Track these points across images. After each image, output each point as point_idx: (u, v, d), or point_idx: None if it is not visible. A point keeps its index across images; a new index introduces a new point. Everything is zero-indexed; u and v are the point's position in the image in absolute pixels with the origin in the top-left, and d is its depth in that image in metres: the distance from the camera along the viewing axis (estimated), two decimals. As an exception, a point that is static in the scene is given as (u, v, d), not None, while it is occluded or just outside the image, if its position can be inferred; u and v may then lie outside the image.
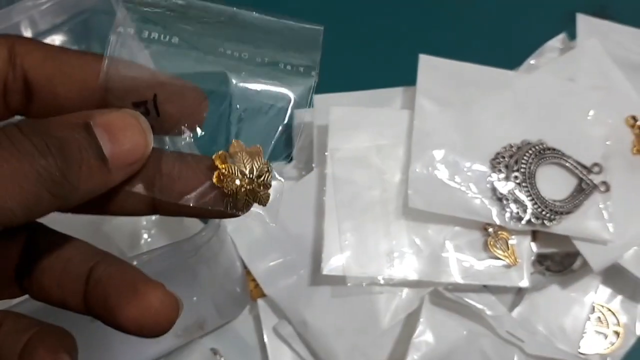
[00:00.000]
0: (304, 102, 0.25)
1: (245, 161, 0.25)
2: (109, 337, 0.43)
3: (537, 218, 0.47)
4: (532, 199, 0.47)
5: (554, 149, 0.49)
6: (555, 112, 0.51)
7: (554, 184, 0.48)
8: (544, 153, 0.48)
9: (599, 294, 0.50)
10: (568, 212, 0.47)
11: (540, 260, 0.50)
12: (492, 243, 0.47)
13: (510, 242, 0.47)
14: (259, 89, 0.26)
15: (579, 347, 0.49)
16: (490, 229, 0.47)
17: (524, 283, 0.46)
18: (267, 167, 0.26)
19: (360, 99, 0.53)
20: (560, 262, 0.50)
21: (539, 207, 0.47)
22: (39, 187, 0.20)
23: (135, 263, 0.35)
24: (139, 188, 0.23)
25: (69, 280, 0.24)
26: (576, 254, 0.49)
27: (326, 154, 0.49)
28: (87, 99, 0.24)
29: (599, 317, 0.50)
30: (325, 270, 0.46)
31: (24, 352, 0.23)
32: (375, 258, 0.46)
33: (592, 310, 0.50)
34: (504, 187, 0.47)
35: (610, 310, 0.50)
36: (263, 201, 0.26)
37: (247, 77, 0.26)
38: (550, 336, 0.49)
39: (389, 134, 0.50)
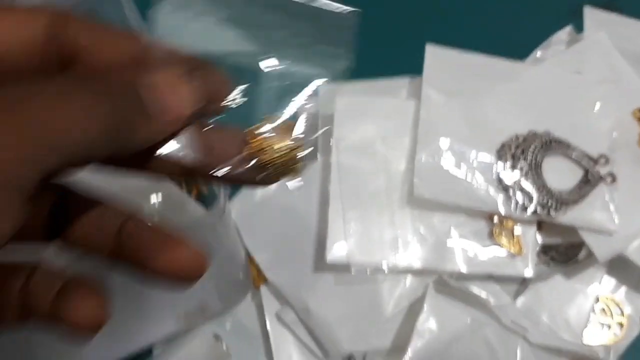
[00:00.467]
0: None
1: (277, 136, 0.27)
2: (111, 320, 0.42)
3: (542, 208, 0.46)
4: (538, 189, 0.46)
5: (560, 140, 0.48)
6: (562, 104, 0.50)
7: (560, 174, 0.47)
8: (550, 144, 0.48)
9: (603, 285, 0.50)
10: (574, 203, 0.46)
11: (545, 250, 0.49)
12: (497, 232, 0.46)
13: (515, 232, 0.46)
14: (292, 69, 0.26)
15: (583, 338, 0.48)
16: (496, 219, 0.46)
17: (529, 273, 0.46)
18: (298, 142, 0.27)
19: (366, 89, 0.53)
20: (565, 253, 0.49)
21: (545, 197, 0.46)
22: (101, 130, 0.21)
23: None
24: (178, 149, 0.24)
25: (101, 233, 0.25)
26: (581, 245, 0.48)
27: (331, 143, 0.48)
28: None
29: (603, 308, 0.49)
30: (330, 258, 0.45)
31: (58, 298, 0.23)
32: (379, 246, 0.45)
33: (596, 301, 0.49)
34: (510, 177, 0.47)
35: (614, 301, 0.49)
36: (293, 174, 0.28)
37: (281, 57, 0.27)
38: (554, 326, 0.48)
39: (395, 123, 0.49)
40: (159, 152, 0.24)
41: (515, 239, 0.46)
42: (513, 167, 0.47)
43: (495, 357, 0.45)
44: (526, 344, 0.46)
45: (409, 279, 0.46)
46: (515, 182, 0.46)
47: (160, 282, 0.24)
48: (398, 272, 0.45)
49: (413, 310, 0.46)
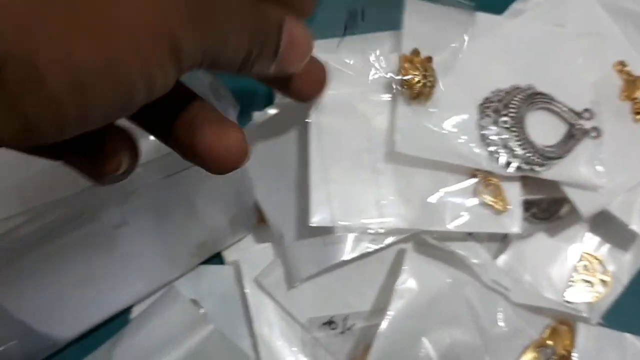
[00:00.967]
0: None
1: (420, 65, 0.44)
2: (127, 261, 0.41)
3: (527, 163, 0.44)
4: (522, 144, 0.44)
5: (543, 94, 0.46)
6: (544, 58, 0.48)
7: (544, 129, 0.45)
8: (533, 97, 0.45)
9: (586, 242, 0.48)
10: (558, 158, 0.44)
11: (527, 207, 0.47)
12: (481, 189, 0.44)
13: (499, 188, 0.44)
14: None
15: (565, 296, 0.47)
16: (480, 175, 0.44)
17: (516, 229, 0.44)
18: (433, 72, 0.44)
19: (345, 45, 0.50)
20: (547, 209, 0.47)
21: (529, 152, 0.44)
22: (241, 49, 0.26)
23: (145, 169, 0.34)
24: None
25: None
26: (563, 201, 0.46)
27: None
28: None
29: (586, 266, 0.48)
30: (313, 220, 0.43)
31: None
32: (363, 207, 0.43)
33: (579, 258, 0.48)
34: (493, 132, 0.44)
35: (597, 258, 0.48)
36: (426, 92, 0.44)
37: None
38: (536, 284, 0.46)
39: (374, 79, 0.46)
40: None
41: (500, 196, 0.44)
42: (496, 122, 0.45)
43: (476, 316, 0.44)
44: (507, 302, 0.44)
45: (389, 240, 0.44)
46: (498, 138, 0.44)
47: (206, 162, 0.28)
48: (383, 233, 0.43)
49: (393, 272, 0.44)
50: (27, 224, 0.31)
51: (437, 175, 0.44)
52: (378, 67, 0.46)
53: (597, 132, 0.46)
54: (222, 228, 0.45)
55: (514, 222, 0.44)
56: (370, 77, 0.46)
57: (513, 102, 0.45)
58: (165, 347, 0.42)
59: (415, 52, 0.45)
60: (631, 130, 0.48)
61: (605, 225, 0.48)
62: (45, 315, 0.39)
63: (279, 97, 0.51)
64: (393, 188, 0.43)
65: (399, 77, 0.44)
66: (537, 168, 0.44)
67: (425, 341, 0.42)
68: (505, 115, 0.45)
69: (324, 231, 0.43)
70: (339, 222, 0.42)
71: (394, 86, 0.45)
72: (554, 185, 0.45)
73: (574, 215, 0.46)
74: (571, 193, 0.45)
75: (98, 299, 0.42)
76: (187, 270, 0.46)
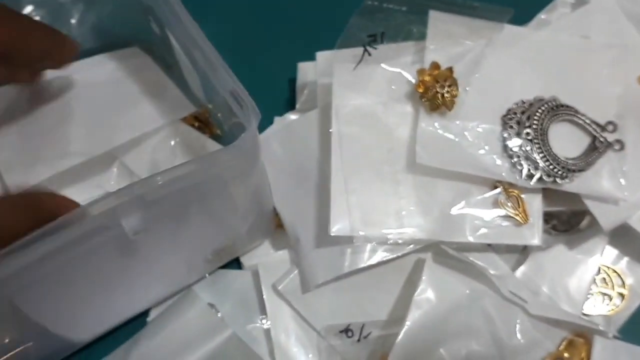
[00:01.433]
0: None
1: (440, 77, 0.43)
2: (145, 266, 0.40)
3: (549, 176, 0.43)
4: (544, 156, 0.43)
5: (567, 106, 0.45)
6: (568, 69, 0.47)
7: (567, 141, 0.44)
8: (557, 109, 0.44)
9: (605, 255, 0.47)
10: (581, 170, 0.43)
11: (547, 219, 0.46)
12: (502, 201, 0.43)
13: (521, 200, 0.43)
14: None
15: (583, 309, 0.46)
16: (501, 187, 0.43)
17: (536, 241, 0.43)
18: (455, 83, 0.43)
19: (369, 56, 0.49)
20: (567, 221, 0.46)
21: (551, 164, 0.43)
22: None
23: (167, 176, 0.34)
24: None
25: None
26: (583, 213, 0.45)
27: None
28: None
29: (604, 279, 0.47)
30: (333, 230, 0.42)
31: None
32: (383, 217, 0.42)
33: (598, 271, 0.46)
34: (516, 143, 0.43)
35: (615, 271, 0.47)
36: (448, 104, 0.43)
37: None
38: (554, 296, 0.45)
39: (397, 90, 0.46)
40: None
41: (521, 207, 0.43)
42: (519, 133, 0.44)
43: (494, 328, 0.43)
44: (525, 315, 0.43)
45: (407, 249, 0.43)
46: (520, 149, 0.43)
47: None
48: (402, 243, 0.42)
49: (411, 282, 0.43)
50: (48, 230, 0.31)
51: (458, 186, 0.43)
52: (401, 78, 0.45)
53: (620, 145, 0.44)
54: (240, 234, 0.44)
55: (534, 234, 0.43)
56: (393, 88, 0.45)
57: (536, 113, 0.44)
58: (182, 351, 0.42)
59: (435, 65, 0.44)
60: (654, 143, 0.46)
61: (625, 238, 0.46)
62: (63, 318, 0.39)
63: (300, 103, 0.51)
64: (413, 199, 0.43)
65: (419, 91, 0.43)
66: (559, 180, 0.43)
67: (442, 352, 0.41)
68: (528, 127, 0.44)
69: (342, 239, 0.43)
70: (359, 232, 0.42)
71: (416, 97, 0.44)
72: (574, 197, 0.44)
73: (594, 228, 0.45)
74: (592, 206, 0.44)
75: (116, 302, 0.42)
76: (206, 274, 0.46)
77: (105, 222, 0.33)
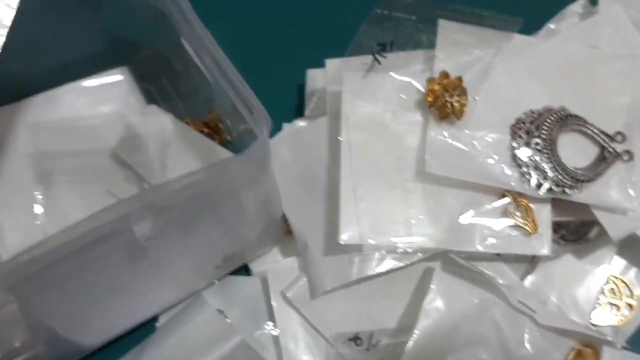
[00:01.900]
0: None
1: (450, 86, 0.43)
2: (155, 272, 0.40)
3: (557, 185, 0.43)
4: (553, 166, 0.43)
5: (576, 116, 0.45)
6: (577, 79, 0.47)
7: (576, 151, 0.44)
8: (566, 119, 0.44)
9: (614, 265, 0.47)
10: (589, 180, 0.43)
11: (555, 228, 0.46)
12: (511, 210, 0.43)
13: (530, 209, 0.43)
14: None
15: (591, 319, 0.45)
16: (510, 196, 0.43)
17: (545, 251, 0.43)
18: (464, 92, 0.43)
19: (379, 64, 0.49)
20: (576, 231, 0.46)
21: (560, 174, 0.43)
22: None
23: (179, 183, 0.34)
24: None
25: None
26: (592, 223, 0.45)
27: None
28: None
29: (613, 289, 0.46)
30: (342, 238, 0.42)
31: None
32: (392, 226, 0.42)
33: (606, 281, 0.46)
34: (524, 153, 0.43)
35: (624, 282, 0.47)
36: (457, 112, 0.43)
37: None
38: (563, 306, 0.45)
39: (406, 98, 0.46)
40: None
41: (530, 217, 0.43)
42: (527, 143, 0.44)
43: (503, 338, 0.42)
44: (534, 324, 0.43)
45: (416, 257, 0.43)
46: (529, 159, 0.43)
47: None
48: (412, 252, 0.42)
49: (420, 290, 0.43)
50: (58, 236, 0.31)
51: (467, 195, 0.43)
52: (410, 87, 0.45)
53: (629, 155, 0.44)
54: (249, 241, 0.44)
55: (543, 244, 0.43)
56: (402, 97, 0.45)
57: (545, 123, 0.44)
58: (191, 356, 0.42)
59: (444, 75, 0.44)
60: (663, 154, 0.46)
61: (633, 248, 0.46)
62: (73, 322, 0.39)
63: (309, 109, 0.51)
64: (422, 207, 0.43)
65: (428, 99, 0.43)
66: (568, 190, 0.43)
67: (451, 361, 0.41)
68: (537, 136, 0.44)
69: (351, 246, 0.42)
70: (368, 240, 0.41)
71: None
72: (583, 207, 0.44)
73: (602, 238, 0.45)
74: (601, 216, 0.44)
75: (126, 308, 0.42)
76: (215, 280, 0.45)
77: (117, 228, 0.33)
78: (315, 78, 0.51)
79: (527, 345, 0.42)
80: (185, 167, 0.46)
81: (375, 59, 0.46)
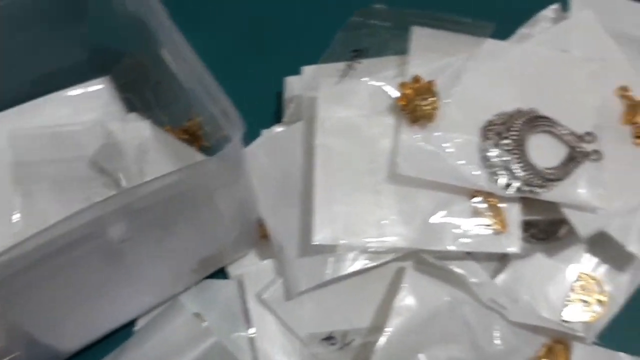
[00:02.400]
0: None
1: (421, 90, 0.43)
2: (132, 275, 0.41)
3: (527, 185, 0.44)
4: (523, 166, 0.44)
5: (546, 117, 0.45)
6: (547, 82, 0.48)
7: (546, 152, 0.45)
8: (535, 121, 0.45)
9: (584, 263, 0.47)
10: (558, 180, 0.44)
11: (526, 227, 0.46)
12: (481, 210, 0.43)
13: (499, 209, 0.44)
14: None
15: (562, 315, 0.46)
16: (480, 196, 0.44)
17: (514, 249, 0.43)
18: (435, 96, 0.44)
19: (353, 69, 0.50)
20: (546, 230, 0.47)
21: (529, 174, 0.44)
22: None
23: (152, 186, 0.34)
24: None
25: None
26: (561, 222, 0.46)
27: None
28: None
29: (583, 286, 0.47)
30: (316, 239, 0.43)
31: None
32: (365, 227, 0.43)
33: (577, 278, 0.47)
34: (494, 154, 0.44)
35: (594, 279, 0.47)
36: (428, 116, 0.44)
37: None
38: (534, 304, 0.46)
39: (379, 103, 0.46)
40: None
41: (499, 216, 0.44)
42: (497, 144, 0.44)
43: (473, 335, 0.43)
44: (504, 321, 0.44)
45: (388, 257, 0.44)
46: (499, 159, 0.44)
47: None
48: (384, 252, 0.43)
49: (393, 290, 0.44)
50: (34, 239, 0.32)
51: (438, 196, 0.44)
52: (383, 92, 0.46)
53: (598, 155, 0.45)
54: (226, 244, 0.45)
55: (513, 242, 0.44)
56: (376, 101, 0.46)
57: (515, 125, 0.45)
58: (167, 359, 0.43)
59: (416, 79, 0.45)
60: (631, 154, 0.47)
61: (603, 246, 0.47)
62: (50, 327, 0.39)
63: (287, 116, 0.52)
64: (394, 208, 0.43)
65: (400, 103, 0.44)
66: (537, 189, 0.44)
67: (422, 358, 0.42)
68: (507, 137, 0.44)
69: (325, 247, 0.43)
70: (341, 241, 0.42)
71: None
72: (553, 206, 0.45)
73: (572, 236, 0.46)
74: (570, 214, 0.44)
75: (103, 312, 0.42)
76: (192, 284, 0.46)
77: (92, 231, 0.34)
78: (293, 85, 0.52)
79: (497, 341, 0.43)
80: (163, 173, 0.47)
81: (350, 65, 0.47)
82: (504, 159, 0.44)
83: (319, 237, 0.42)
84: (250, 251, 0.48)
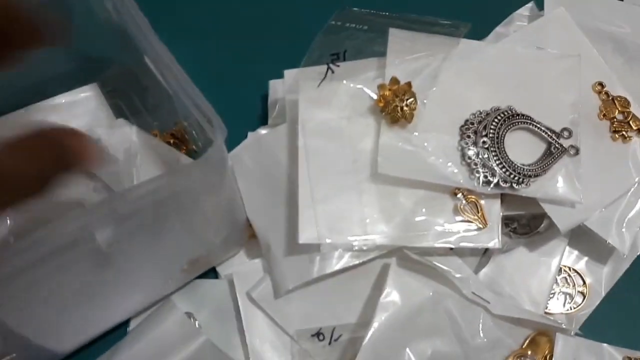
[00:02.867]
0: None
1: (400, 91, 0.45)
2: (122, 277, 0.42)
3: (505, 182, 0.44)
4: (501, 163, 0.45)
5: (523, 115, 0.46)
6: (524, 79, 0.49)
7: (523, 148, 0.46)
8: (513, 118, 0.46)
9: (566, 256, 0.49)
10: (537, 175, 0.45)
11: (507, 223, 0.48)
12: (461, 207, 0.44)
13: (479, 205, 0.45)
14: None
15: (545, 308, 0.47)
16: (460, 194, 0.45)
17: (495, 244, 0.44)
18: (413, 96, 0.45)
19: (334, 72, 0.51)
20: (527, 225, 0.48)
21: (507, 170, 0.45)
22: None
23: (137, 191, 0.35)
24: None
25: None
26: (542, 216, 0.47)
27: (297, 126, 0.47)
28: None
29: (565, 278, 0.48)
30: (301, 239, 0.44)
31: None
32: (349, 226, 0.44)
33: (559, 271, 0.48)
34: (473, 152, 0.45)
35: (576, 271, 0.49)
36: (407, 116, 0.45)
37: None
38: (517, 297, 0.47)
39: (359, 104, 0.47)
40: None
41: (480, 213, 0.45)
42: (475, 142, 0.45)
43: (457, 328, 0.44)
44: (488, 315, 0.45)
45: (373, 254, 0.45)
46: (478, 157, 0.45)
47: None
48: (367, 250, 0.44)
49: (378, 286, 0.45)
50: (23, 243, 0.32)
51: (419, 194, 0.45)
52: (363, 94, 0.47)
53: (575, 150, 0.46)
54: (214, 245, 0.45)
55: (493, 238, 0.45)
56: (356, 103, 0.47)
57: (493, 123, 0.46)
58: (159, 358, 0.43)
59: (394, 81, 0.46)
60: (608, 148, 0.48)
61: (584, 239, 0.48)
62: (44, 329, 0.40)
63: (271, 118, 0.52)
64: (377, 207, 0.44)
65: (379, 105, 0.45)
66: (515, 186, 0.45)
67: (408, 352, 0.43)
68: (484, 135, 0.45)
69: (311, 246, 0.44)
70: (326, 240, 0.43)
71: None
72: (533, 201, 0.46)
73: (553, 230, 0.47)
74: (549, 209, 0.45)
75: (96, 313, 0.43)
76: (182, 284, 0.47)
77: (79, 236, 0.34)
78: (276, 88, 0.53)
79: (481, 334, 0.44)
80: (151, 175, 0.48)
81: (329, 68, 0.48)
82: (483, 156, 0.45)
83: (305, 236, 0.43)
84: (240, 251, 0.49)
